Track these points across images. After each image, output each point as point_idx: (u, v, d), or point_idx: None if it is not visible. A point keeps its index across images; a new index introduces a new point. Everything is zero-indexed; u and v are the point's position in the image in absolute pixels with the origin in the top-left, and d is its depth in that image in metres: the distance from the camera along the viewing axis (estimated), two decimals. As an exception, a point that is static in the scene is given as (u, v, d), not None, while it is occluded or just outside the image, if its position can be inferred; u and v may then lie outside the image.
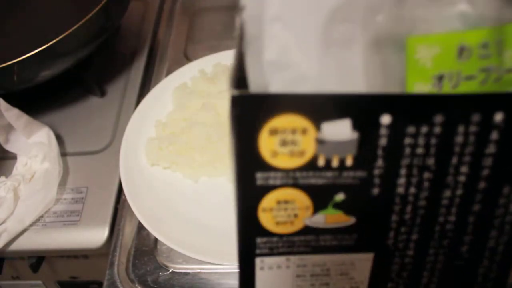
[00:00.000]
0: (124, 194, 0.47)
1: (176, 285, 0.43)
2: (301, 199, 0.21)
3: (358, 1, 0.19)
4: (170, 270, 0.44)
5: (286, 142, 0.19)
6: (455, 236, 0.23)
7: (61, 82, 0.58)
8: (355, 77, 0.20)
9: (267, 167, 0.20)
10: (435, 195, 0.21)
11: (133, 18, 0.69)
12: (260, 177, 0.20)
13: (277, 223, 0.22)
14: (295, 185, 0.20)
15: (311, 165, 0.20)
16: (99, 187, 0.51)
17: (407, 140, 0.20)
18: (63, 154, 0.54)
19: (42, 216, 0.49)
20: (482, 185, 0.21)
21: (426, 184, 0.21)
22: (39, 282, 0.56)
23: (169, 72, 0.60)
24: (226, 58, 0.58)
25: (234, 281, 0.43)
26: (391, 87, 0.20)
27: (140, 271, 0.44)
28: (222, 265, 0.43)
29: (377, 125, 0.19)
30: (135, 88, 0.61)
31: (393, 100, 0.19)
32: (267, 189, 0.21)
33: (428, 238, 0.23)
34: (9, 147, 0.53)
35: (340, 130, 0.19)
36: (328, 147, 0.19)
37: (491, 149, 0.20)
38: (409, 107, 0.19)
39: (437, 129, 0.20)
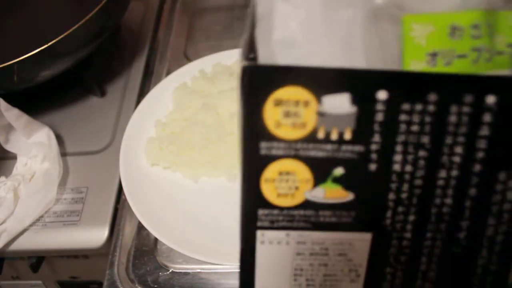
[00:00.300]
0: (124, 194, 0.47)
1: (176, 285, 0.43)
2: (302, 171, 0.22)
3: None
4: (170, 270, 0.44)
5: (289, 114, 0.20)
6: (452, 220, 0.23)
7: (61, 82, 0.58)
8: (356, 54, 0.21)
9: (271, 137, 0.21)
10: (431, 174, 0.22)
11: (133, 18, 0.69)
12: (264, 147, 0.21)
13: (279, 195, 0.22)
14: (297, 157, 0.21)
15: (311, 137, 0.21)
16: (99, 187, 0.51)
17: (402, 117, 0.21)
18: (63, 154, 0.54)
19: (42, 216, 0.49)
20: (477, 168, 0.22)
21: (421, 162, 0.22)
22: (39, 282, 0.56)
23: (169, 72, 0.60)
24: (226, 58, 0.58)
25: (234, 281, 0.43)
26: (389, 64, 0.21)
27: (140, 271, 0.44)
28: (222, 265, 0.43)
29: (374, 100, 0.20)
30: (135, 88, 0.61)
31: (389, 76, 0.20)
32: (270, 159, 0.21)
33: (425, 220, 0.23)
34: (9, 147, 0.53)
35: (340, 103, 0.20)
36: (328, 119, 0.20)
37: (484, 131, 0.21)
38: (404, 84, 0.20)
39: (431, 107, 0.20)
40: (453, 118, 0.21)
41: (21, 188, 0.49)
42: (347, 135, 0.21)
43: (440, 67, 0.21)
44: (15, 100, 0.51)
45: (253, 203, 0.23)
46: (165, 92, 0.55)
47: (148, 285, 0.43)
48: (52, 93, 0.60)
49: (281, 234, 0.23)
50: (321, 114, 0.20)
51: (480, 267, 0.24)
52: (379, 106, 0.20)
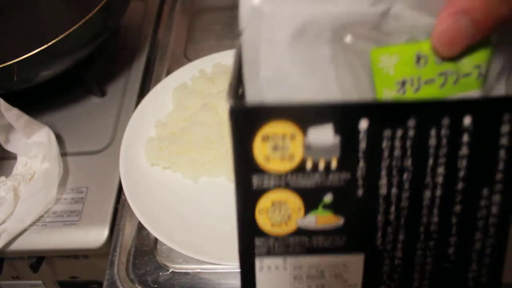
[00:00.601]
0: (124, 194, 0.47)
1: (176, 285, 0.43)
2: (293, 200, 0.23)
3: (325, 21, 0.22)
4: (170, 270, 0.44)
5: (277, 147, 0.21)
6: (440, 237, 0.24)
7: (61, 82, 0.58)
8: (333, 91, 0.23)
9: (261, 171, 0.22)
10: (416, 195, 0.23)
11: (133, 18, 0.69)
12: (256, 180, 0.22)
13: (273, 224, 0.24)
14: (287, 187, 0.23)
15: (300, 168, 0.22)
16: (99, 187, 0.51)
17: (385, 143, 0.22)
18: (63, 154, 0.54)
19: (42, 216, 0.49)
20: (460, 186, 0.23)
21: (406, 184, 0.23)
22: (39, 282, 0.56)
23: (169, 72, 0.60)
24: (226, 58, 0.58)
25: (234, 281, 0.43)
26: (364, 96, 0.23)
27: (140, 271, 0.44)
28: (222, 265, 0.43)
29: (356, 129, 0.21)
30: (135, 88, 0.61)
31: (368, 106, 0.21)
32: (263, 191, 0.23)
33: (414, 239, 0.24)
34: (9, 147, 0.53)
35: (324, 135, 0.21)
36: (315, 151, 0.22)
37: (464, 151, 0.22)
38: (383, 112, 0.21)
39: (411, 132, 0.22)
40: (433, 141, 0.22)
41: (21, 188, 0.49)
42: (334, 164, 0.22)
43: (409, 94, 0.23)
44: (15, 100, 0.51)
45: (249, 233, 0.25)
46: (165, 92, 0.55)
47: (148, 285, 0.43)
48: (52, 93, 0.60)
49: (278, 260, 0.25)
50: (307, 146, 0.21)
51: (472, 280, 0.25)
52: (362, 135, 0.21)
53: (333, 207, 0.23)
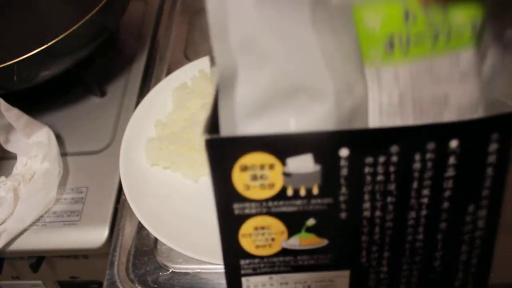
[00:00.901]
0: (124, 194, 0.47)
1: (176, 285, 0.43)
2: (276, 225, 0.23)
3: None
4: (170, 270, 0.44)
5: (256, 177, 0.21)
6: (426, 252, 0.24)
7: (61, 82, 0.58)
8: (315, 61, 0.21)
9: (242, 199, 0.22)
10: (401, 216, 0.23)
11: (133, 18, 0.69)
12: (237, 207, 0.22)
13: (257, 247, 0.23)
14: (269, 213, 0.22)
15: (281, 195, 0.22)
16: (99, 187, 0.51)
17: (367, 169, 0.21)
18: (63, 154, 0.54)
19: (42, 216, 0.49)
20: (445, 205, 0.22)
21: (390, 207, 0.22)
22: (39, 282, 0.56)
23: (169, 72, 0.60)
24: (226, 58, 0.58)
25: (234, 281, 0.43)
26: (350, 60, 0.21)
27: (140, 271, 0.44)
28: (222, 265, 0.43)
29: (337, 157, 0.21)
30: (135, 88, 0.61)
31: (349, 135, 0.20)
32: (245, 217, 0.22)
33: (399, 255, 0.24)
34: (9, 147, 0.53)
35: (304, 164, 0.21)
36: (295, 179, 0.21)
37: (450, 172, 0.21)
38: (364, 140, 0.20)
39: (394, 158, 0.21)
40: (417, 165, 0.21)
41: (21, 188, 0.49)
42: (315, 191, 0.21)
43: (398, 55, 0.21)
44: (15, 100, 0.51)
45: (234, 255, 0.24)
46: (165, 92, 0.55)
47: (148, 285, 0.43)
48: (52, 93, 0.60)
49: (264, 278, 0.25)
50: (287, 175, 0.21)
51: None
52: (343, 162, 0.21)
53: (316, 230, 0.23)
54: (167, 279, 0.44)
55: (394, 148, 0.20)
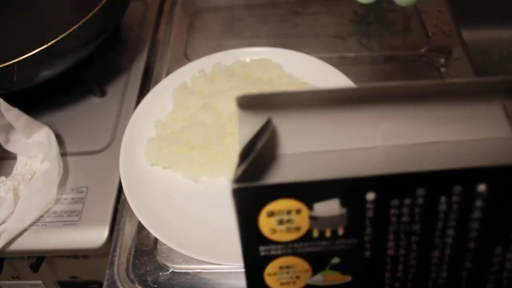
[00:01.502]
0: (124, 194, 0.47)
1: (176, 285, 0.43)
2: (300, 264, 0.23)
3: None
4: (170, 270, 0.44)
5: (282, 221, 0.21)
6: None
7: (61, 82, 0.58)
8: None
9: (268, 242, 0.22)
10: (424, 255, 0.23)
11: (133, 18, 0.69)
12: (263, 250, 0.23)
13: (281, 284, 0.24)
14: (295, 254, 0.23)
15: (306, 237, 0.22)
16: (99, 187, 0.51)
17: (392, 211, 0.21)
18: (63, 154, 0.54)
19: (42, 216, 0.49)
20: (471, 245, 0.22)
21: (414, 246, 0.23)
22: (39, 282, 0.56)
23: (169, 72, 0.60)
24: (226, 58, 0.58)
25: (234, 281, 0.43)
26: None
27: (140, 271, 0.44)
28: (222, 265, 0.43)
29: (363, 201, 0.21)
30: (135, 88, 0.61)
31: (375, 180, 0.21)
32: (270, 258, 0.23)
33: None
34: (9, 147, 0.53)
35: (330, 208, 0.21)
36: (321, 222, 0.22)
37: (476, 214, 0.21)
38: (391, 185, 0.21)
39: (420, 200, 0.21)
40: (443, 207, 0.21)
41: (21, 188, 0.49)
42: (340, 232, 0.22)
43: None
44: (15, 100, 0.51)
45: None
46: (165, 92, 0.55)
47: (148, 285, 0.43)
48: (52, 93, 0.60)
49: None
50: (313, 218, 0.21)
51: None
52: (369, 205, 0.21)
53: (341, 267, 0.23)
54: (167, 279, 0.44)
55: (420, 191, 0.21)
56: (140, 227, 0.47)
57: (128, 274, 0.44)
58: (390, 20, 0.66)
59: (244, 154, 0.22)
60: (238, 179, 0.21)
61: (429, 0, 0.67)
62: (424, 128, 0.23)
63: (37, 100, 0.60)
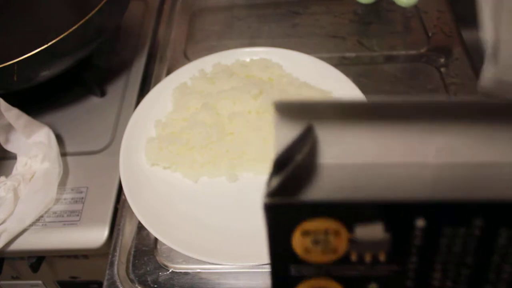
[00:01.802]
0: (124, 194, 0.47)
1: (176, 285, 0.43)
2: (334, 286, 0.21)
3: None
4: (170, 270, 0.44)
5: (318, 241, 0.20)
6: None
7: (61, 82, 0.58)
8: None
9: (300, 261, 0.20)
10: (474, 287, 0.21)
11: (133, 18, 0.69)
12: (294, 269, 0.21)
13: None
14: (328, 276, 0.21)
15: (343, 260, 0.20)
16: (99, 187, 0.51)
17: (443, 240, 0.19)
18: (63, 154, 0.54)
19: (42, 216, 0.49)
20: None
21: (463, 279, 0.21)
22: (39, 282, 0.56)
23: (169, 72, 0.60)
24: (226, 58, 0.58)
25: (234, 281, 0.43)
26: None
27: (140, 271, 0.44)
28: (222, 265, 0.43)
29: (411, 227, 0.19)
30: (135, 88, 0.61)
31: (428, 205, 0.19)
32: (301, 278, 0.21)
33: None
34: (9, 147, 0.53)
35: (373, 232, 0.19)
36: (361, 245, 0.20)
37: None
38: (445, 212, 0.19)
39: (476, 231, 0.19)
40: (502, 241, 0.19)
41: (21, 188, 0.49)
42: (381, 257, 0.20)
43: None
44: (15, 100, 0.51)
45: None
46: (165, 92, 0.55)
47: (148, 285, 0.43)
48: (52, 93, 0.60)
49: None
50: (353, 241, 0.20)
51: None
52: (417, 232, 0.19)
53: None
54: (167, 279, 0.44)
55: (478, 222, 0.19)
56: (140, 227, 0.47)
57: (128, 274, 0.44)
58: (390, 20, 0.66)
59: (280, 163, 0.20)
60: (272, 193, 0.19)
61: (429, 0, 0.67)
62: (485, 148, 0.21)
63: (37, 100, 0.60)
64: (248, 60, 0.57)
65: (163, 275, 0.44)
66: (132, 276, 0.44)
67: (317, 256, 0.20)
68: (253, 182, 0.48)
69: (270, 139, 0.49)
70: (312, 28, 0.66)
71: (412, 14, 0.66)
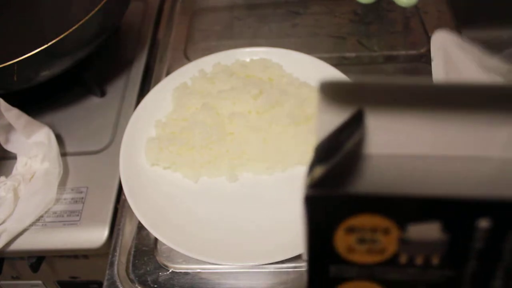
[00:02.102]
0: (124, 194, 0.47)
1: (176, 285, 0.43)
2: None
3: None
4: (170, 270, 0.44)
5: (364, 240, 0.18)
6: None
7: (61, 82, 0.58)
8: None
9: (342, 261, 0.19)
10: None
11: (133, 18, 0.69)
12: (334, 270, 0.19)
13: None
14: (372, 279, 0.19)
15: (391, 262, 0.18)
16: (99, 187, 0.51)
17: (508, 245, 0.17)
18: (63, 154, 0.54)
19: (42, 216, 0.49)
20: None
21: None
22: (39, 282, 0.56)
23: (169, 72, 0.60)
24: (226, 58, 0.58)
25: (234, 281, 0.43)
26: None
27: (140, 271, 0.44)
28: (222, 265, 0.43)
29: (472, 228, 0.17)
30: (135, 88, 0.61)
31: (493, 204, 0.17)
32: (341, 280, 0.19)
33: None
34: (9, 147, 0.53)
35: (428, 231, 0.17)
36: (413, 246, 0.18)
37: None
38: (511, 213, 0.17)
39: None
40: None
41: (21, 188, 0.49)
42: (435, 261, 0.18)
43: None
44: (15, 100, 0.51)
45: None
46: (165, 92, 0.55)
47: (148, 285, 0.43)
48: (52, 93, 0.60)
49: None
50: (403, 241, 0.18)
51: None
52: (479, 234, 0.17)
53: None
54: (167, 279, 0.44)
55: None
56: (140, 227, 0.47)
57: (128, 274, 0.44)
58: (390, 20, 0.66)
59: (324, 151, 0.18)
60: (315, 184, 0.17)
61: (429, 0, 0.67)
62: None
63: (37, 100, 0.60)
64: (248, 60, 0.57)
65: (163, 275, 0.44)
66: (132, 276, 0.44)
67: (361, 256, 0.18)
68: (253, 182, 0.48)
69: (270, 139, 0.49)
70: (312, 28, 0.66)
71: (412, 14, 0.66)
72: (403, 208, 0.17)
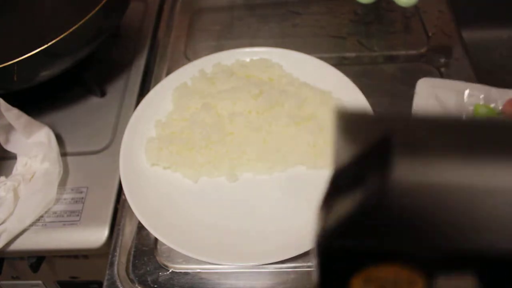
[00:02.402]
0: (124, 194, 0.47)
1: (176, 285, 0.43)
2: None
3: None
4: (170, 270, 0.44)
5: None
6: None
7: (61, 82, 0.58)
8: None
9: None
10: None
11: (133, 18, 0.69)
12: None
13: None
14: None
15: None
16: (99, 187, 0.51)
17: None
18: (63, 154, 0.54)
19: (42, 216, 0.49)
20: None
21: None
22: (39, 282, 0.56)
23: (169, 72, 0.60)
24: (226, 58, 0.58)
25: (234, 281, 0.43)
26: None
27: (140, 271, 0.44)
28: (222, 265, 0.43)
29: None
30: (135, 88, 0.61)
31: None
32: None
33: None
34: (9, 147, 0.53)
35: (460, 284, 0.15)
36: None
37: None
38: None
39: None
40: None
41: (21, 188, 0.49)
42: None
43: None
44: (15, 100, 0.51)
45: None
46: (165, 92, 0.55)
47: (148, 285, 0.43)
48: (52, 93, 0.60)
49: None
50: None
51: None
52: None
53: None
54: (167, 279, 0.44)
55: None
56: (140, 227, 0.47)
57: (128, 274, 0.44)
58: (390, 20, 0.66)
59: (341, 183, 0.15)
60: (330, 233, 0.15)
61: (429, 0, 0.67)
62: None
63: (37, 100, 0.60)
64: (248, 60, 0.57)
65: (163, 275, 0.44)
66: (132, 276, 0.44)
67: None
68: (253, 182, 0.48)
69: (270, 139, 0.49)
70: (312, 28, 0.66)
71: (412, 14, 0.66)
72: (433, 259, 0.15)
